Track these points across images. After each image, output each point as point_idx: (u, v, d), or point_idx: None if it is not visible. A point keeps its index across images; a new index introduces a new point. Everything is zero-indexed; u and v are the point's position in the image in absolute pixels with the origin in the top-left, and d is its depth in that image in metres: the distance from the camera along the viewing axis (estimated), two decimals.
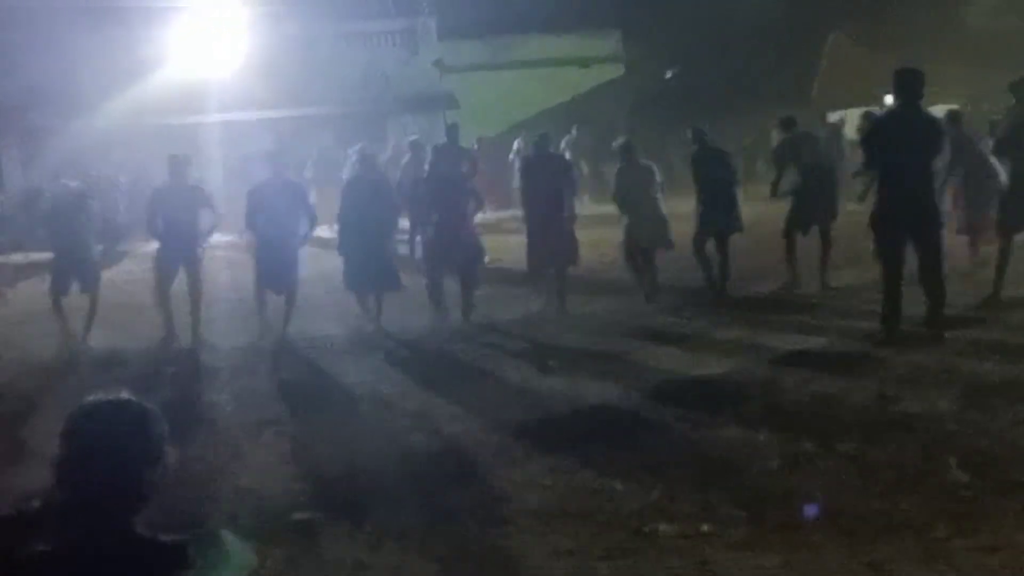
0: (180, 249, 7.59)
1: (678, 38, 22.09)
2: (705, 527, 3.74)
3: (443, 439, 5.06)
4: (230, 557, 1.65)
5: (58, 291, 7.58)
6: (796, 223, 8.33)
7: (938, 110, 8.32)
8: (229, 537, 1.71)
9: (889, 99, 6.85)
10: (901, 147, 6.16)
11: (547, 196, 8.03)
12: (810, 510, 3.81)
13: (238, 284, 9.17)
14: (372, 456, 4.82)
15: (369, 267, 7.64)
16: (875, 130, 6.60)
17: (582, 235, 8.37)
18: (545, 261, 8.08)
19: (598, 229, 10.58)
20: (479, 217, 8.62)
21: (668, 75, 23.24)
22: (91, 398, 1.67)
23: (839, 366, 5.93)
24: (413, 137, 12.42)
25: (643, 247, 8.39)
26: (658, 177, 8.48)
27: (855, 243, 8.29)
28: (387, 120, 20.05)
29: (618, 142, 8.85)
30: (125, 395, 1.69)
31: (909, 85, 6.21)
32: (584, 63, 21.87)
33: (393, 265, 7.85)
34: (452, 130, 10.50)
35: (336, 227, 8.22)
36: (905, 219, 6.18)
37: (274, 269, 7.60)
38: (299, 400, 6.01)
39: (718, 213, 8.18)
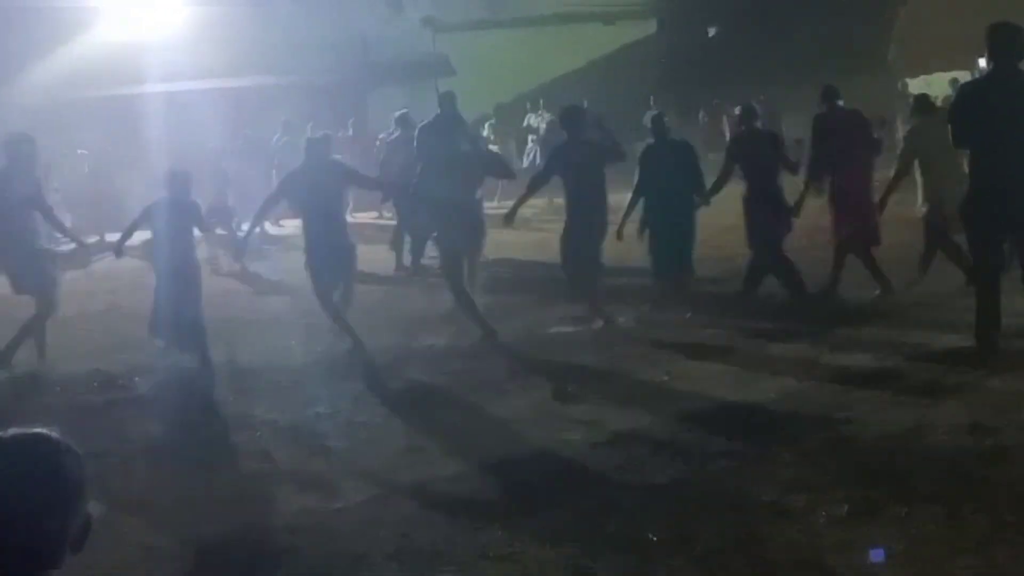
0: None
1: None
2: None
3: (435, 478, 5.08)
4: None
5: None
6: None
7: None
8: None
9: (983, 62, 6.83)
10: (999, 120, 6.13)
11: (591, 186, 7.90)
12: (881, 559, 3.81)
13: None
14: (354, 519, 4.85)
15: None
16: (964, 100, 6.56)
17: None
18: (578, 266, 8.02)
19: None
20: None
21: (709, 34, 23.28)
22: None
23: (921, 390, 5.92)
24: (401, 111, 12.45)
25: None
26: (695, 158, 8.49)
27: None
28: (366, 92, 20.16)
29: (649, 115, 8.86)
30: (37, 430, 1.66)
31: (1008, 44, 6.18)
32: (608, 19, 21.91)
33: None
34: (447, 100, 10.53)
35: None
36: (1006, 209, 6.15)
37: (331, 263, 7.66)
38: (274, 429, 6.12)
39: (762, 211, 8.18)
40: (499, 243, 11.25)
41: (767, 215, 8.20)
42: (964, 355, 6.38)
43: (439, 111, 10.58)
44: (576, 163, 7.89)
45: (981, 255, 6.37)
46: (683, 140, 8.61)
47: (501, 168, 8.17)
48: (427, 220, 9.76)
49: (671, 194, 8.18)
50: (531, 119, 17.80)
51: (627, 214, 8.33)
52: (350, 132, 15.49)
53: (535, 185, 8.30)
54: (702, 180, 8.37)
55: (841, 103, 8.48)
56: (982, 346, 6.32)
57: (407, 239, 11.19)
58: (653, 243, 8.31)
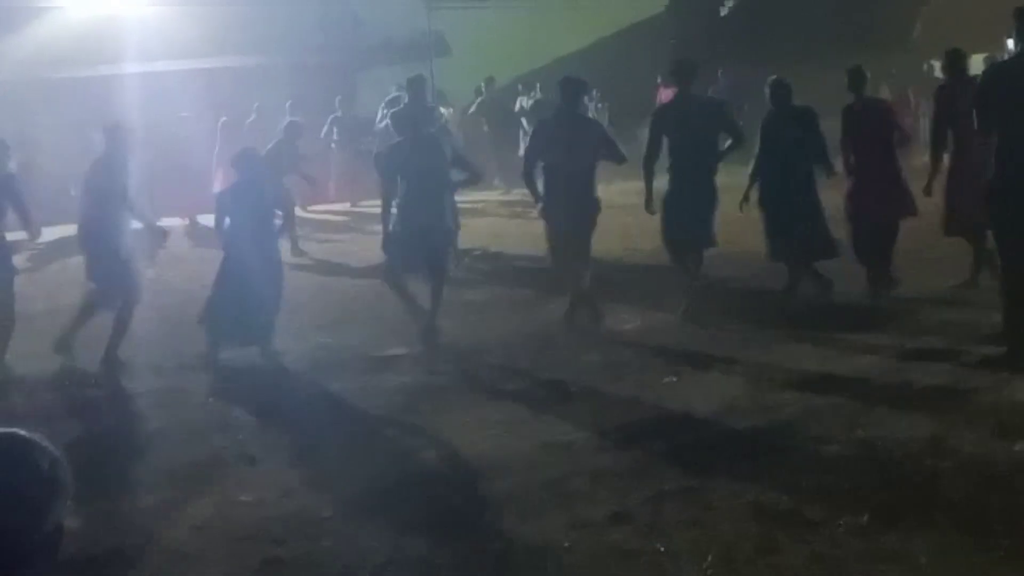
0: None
1: None
2: None
3: (428, 484, 5.10)
4: None
5: None
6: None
7: None
8: None
9: (1011, 43, 6.83)
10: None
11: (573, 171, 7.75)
12: None
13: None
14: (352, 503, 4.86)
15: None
16: (990, 82, 6.56)
17: (607, 219, 8.36)
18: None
19: (623, 215, 10.61)
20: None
21: (723, 11, 23.27)
22: None
23: (944, 394, 5.95)
24: (394, 94, 12.47)
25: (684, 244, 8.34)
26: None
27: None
28: (357, 72, 20.13)
29: (770, 80, 8.51)
30: (9, 429, 1.68)
31: None
32: None
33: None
34: (415, 84, 10.52)
35: None
36: None
37: (425, 244, 7.60)
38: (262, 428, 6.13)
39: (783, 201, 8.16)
40: (498, 235, 11.30)
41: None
42: (990, 358, 6.40)
43: (407, 98, 10.62)
44: (564, 142, 7.74)
45: (1008, 250, 6.34)
46: (806, 107, 8.32)
47: (616, 152, 7.97)
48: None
49: (791, 168, 8.08)
50: (523, 102, 17.79)
51: (749, 187, 8.28)
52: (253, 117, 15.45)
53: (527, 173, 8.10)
54: (826, 152, 8.20)
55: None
56: (1012, 351, 6.31)
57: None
58: (768, 223, 8.23)
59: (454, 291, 9.42)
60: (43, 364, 7.56)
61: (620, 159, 7.94)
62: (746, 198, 8.32)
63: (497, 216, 14.64)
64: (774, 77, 8.45)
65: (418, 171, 7.59)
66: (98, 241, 7.64)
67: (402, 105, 10.63)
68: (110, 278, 7.65)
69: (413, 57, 19.19)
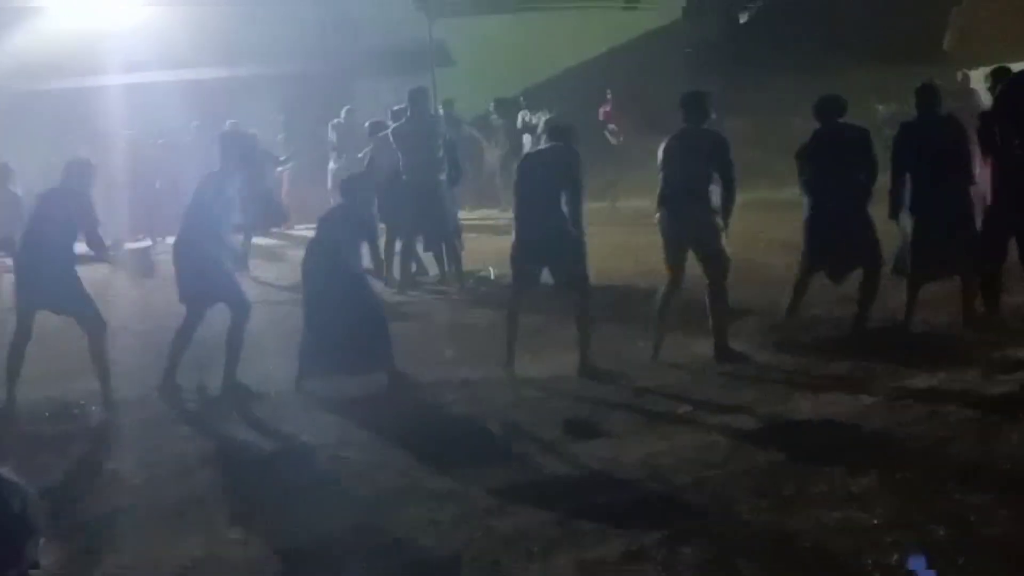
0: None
1: None
2: None
3: (429, 522, 5.09)
4: None
5: None
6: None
7: None
8: None
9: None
10: None
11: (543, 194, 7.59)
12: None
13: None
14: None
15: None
16: (1007, 95, 6.55)
17: (611, 237, 8.36)
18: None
19: (631, 232, 10.59)
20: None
21: (743, 17, 23.36)
22: None
23: (984, 420, 5.92)
24: (399, 107, 12.48)
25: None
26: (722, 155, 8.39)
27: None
28: (354, 82, 20.21)
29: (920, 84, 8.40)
30: None
31: None
32: (628, 3, 21.95)
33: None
34: (418, 96, 10.53)
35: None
36: None
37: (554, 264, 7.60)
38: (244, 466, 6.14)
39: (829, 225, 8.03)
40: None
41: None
42: None
43: (409, 110, 10.65)
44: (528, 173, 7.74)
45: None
46: (950, 115, 8.15)
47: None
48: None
49: (936, 179, 7.93)
50: (525, 116, 17.88)
51: (894, 199, 8.05)
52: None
53: None
54: (969, 161, 8.01)
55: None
56: None
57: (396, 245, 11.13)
58: (915, 234, 8.01)
59: (457, 314, 9.45)
60: (23, 393, 7.56)
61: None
62: (894, 212, 8.07)
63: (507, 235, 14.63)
64: (923, 82, 8.29)
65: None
66: (205, 256, 7.63)
67: (404, 119, 10.69)
68: (215, 294, 7.67)
69: (414, 67, 19.24)
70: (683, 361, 7.64)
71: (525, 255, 7.68)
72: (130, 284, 9.41)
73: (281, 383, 7.57)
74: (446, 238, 10.90)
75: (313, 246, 7.82)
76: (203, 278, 7.62)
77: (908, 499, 4.93)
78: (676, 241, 7.76)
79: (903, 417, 6.11)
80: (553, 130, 8.14)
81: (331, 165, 16.18)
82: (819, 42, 20.51)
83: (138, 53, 17.15)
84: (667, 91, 17.52)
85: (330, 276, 7.59)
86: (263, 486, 5.83)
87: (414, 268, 11.22)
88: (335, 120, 16.56)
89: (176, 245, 7.83)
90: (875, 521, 4.68)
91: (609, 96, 18.06)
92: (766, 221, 11.87)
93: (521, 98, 18.57)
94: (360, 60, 20.15)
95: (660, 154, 7.87)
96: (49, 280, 7.33)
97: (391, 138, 10.74)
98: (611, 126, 18.06)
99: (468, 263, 11.13)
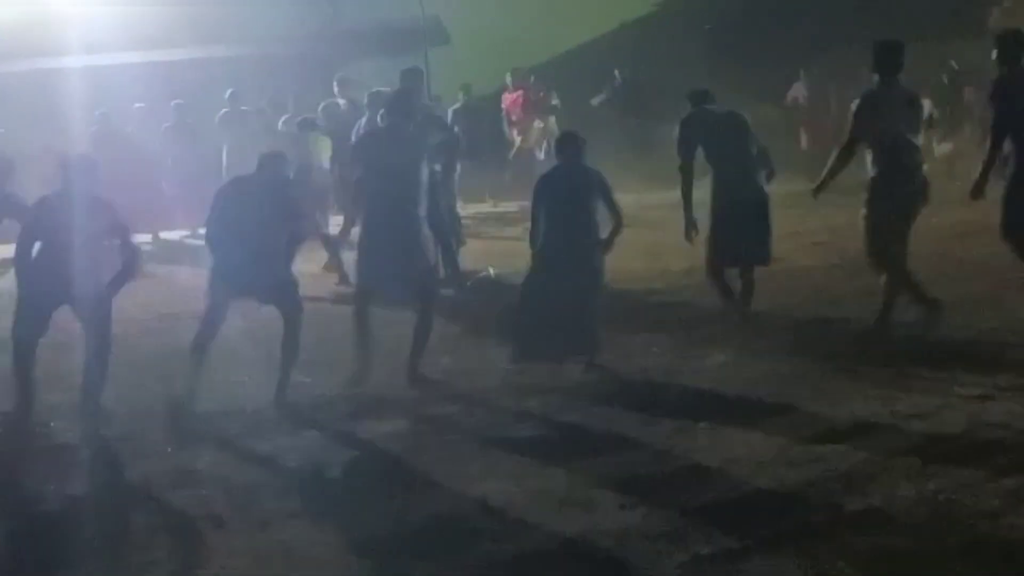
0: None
1: None
2: None
3: (433, 548, 5.14)
4: None
5: None
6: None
7: None
8: None
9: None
10: None
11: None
12: None
13: None
14: None
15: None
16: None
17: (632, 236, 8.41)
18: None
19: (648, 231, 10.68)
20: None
21: None
22: None
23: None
24: (373, 91, 12.53)
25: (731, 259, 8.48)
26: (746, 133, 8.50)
27: None
28: (337, 64, 20.16)
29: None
30: None
31: None
32: None
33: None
34: (410, 78, 10.55)
35: None
36: None
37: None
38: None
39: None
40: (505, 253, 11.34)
41: None
42: None
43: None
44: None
45: None
46: None
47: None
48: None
49: None
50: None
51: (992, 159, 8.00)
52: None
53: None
54: None
55: None
56: None
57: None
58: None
59: (451, 320, 9.47)
60: None
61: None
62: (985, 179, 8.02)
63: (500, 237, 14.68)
64: (1006, 32, 8.27)
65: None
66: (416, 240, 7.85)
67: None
68: (414, 281, 7.87)
69: (404, 47, 19.24)
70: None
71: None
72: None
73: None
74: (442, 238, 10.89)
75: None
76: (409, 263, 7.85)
77: (951, 523, 4.97)
78: None
79: None
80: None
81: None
82: (853, 15, 20.52)
83: (100, 32, 17.15)
84: (683, 75, 17.66)
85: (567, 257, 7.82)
86: (244, 510, 5.83)
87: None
88: (323, 103, 16.62)
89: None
90: None
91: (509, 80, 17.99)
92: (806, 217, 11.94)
93: (532, 77, 18.53)
94: (342, 39, 20.13)
95: None
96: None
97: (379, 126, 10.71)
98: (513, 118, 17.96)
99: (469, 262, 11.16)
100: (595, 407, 7.16)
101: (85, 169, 7.76)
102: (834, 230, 11.82)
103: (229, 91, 16.01)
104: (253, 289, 7.66)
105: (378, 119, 10.58)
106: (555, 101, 17.83)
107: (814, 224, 12.33)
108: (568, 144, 8.08)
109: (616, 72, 18.52)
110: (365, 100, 12.72)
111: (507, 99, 18.19)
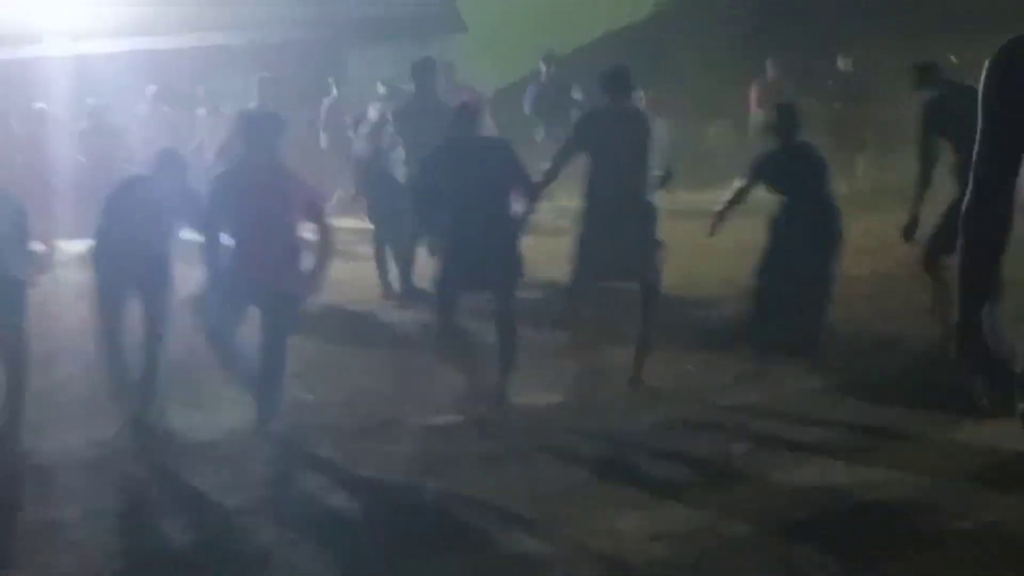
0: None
1: None
2: None
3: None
4: None
5: None
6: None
7: None
8: None
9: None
10: None
11: None
12: None
13: None
14: None
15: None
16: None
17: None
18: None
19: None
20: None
21: None
22: None
23: None
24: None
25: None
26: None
27: None
28: (347, 53, 20.25)
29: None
30: None
31: None
32: None
33: None
34: (422, 69, 10.53)
35: None
36: None
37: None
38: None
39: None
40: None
41: None
42: None
43: (415, 87, 10.62)
44: None
45: None
46: None
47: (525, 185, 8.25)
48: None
49: None
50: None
51: None
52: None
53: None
54: None
55: None
56: None
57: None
58: None
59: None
60: None
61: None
62: None
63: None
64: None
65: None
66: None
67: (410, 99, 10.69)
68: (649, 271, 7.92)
69: (418, 34, 19.22)
70: None
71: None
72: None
73: None
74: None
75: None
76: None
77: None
78: None
79: None
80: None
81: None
82: (903, 4, 20.53)
83: (88, 19, 17.28)
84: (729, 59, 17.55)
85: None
86: (233, 540, 5.84)
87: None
88: (326, 98, 16.71)
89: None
90: None
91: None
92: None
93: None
94: (353, 26, 20.20)
95: None
96: None
97: (391, 122, 10.71)
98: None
99: None
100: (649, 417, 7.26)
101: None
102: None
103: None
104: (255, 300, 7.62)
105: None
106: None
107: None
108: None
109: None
110: (382, 91, 12.75)
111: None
